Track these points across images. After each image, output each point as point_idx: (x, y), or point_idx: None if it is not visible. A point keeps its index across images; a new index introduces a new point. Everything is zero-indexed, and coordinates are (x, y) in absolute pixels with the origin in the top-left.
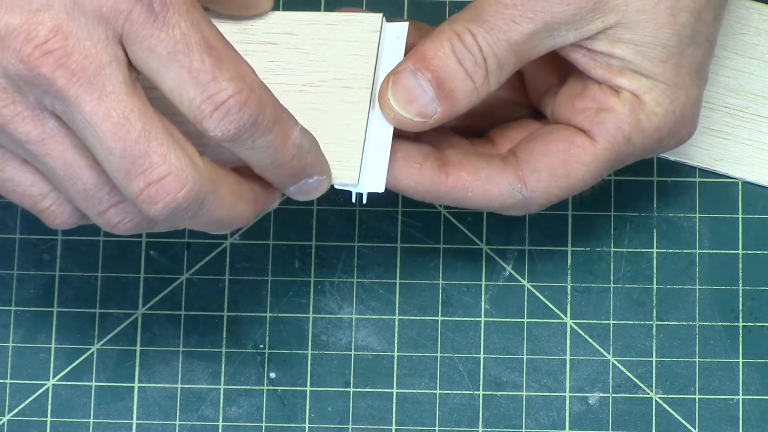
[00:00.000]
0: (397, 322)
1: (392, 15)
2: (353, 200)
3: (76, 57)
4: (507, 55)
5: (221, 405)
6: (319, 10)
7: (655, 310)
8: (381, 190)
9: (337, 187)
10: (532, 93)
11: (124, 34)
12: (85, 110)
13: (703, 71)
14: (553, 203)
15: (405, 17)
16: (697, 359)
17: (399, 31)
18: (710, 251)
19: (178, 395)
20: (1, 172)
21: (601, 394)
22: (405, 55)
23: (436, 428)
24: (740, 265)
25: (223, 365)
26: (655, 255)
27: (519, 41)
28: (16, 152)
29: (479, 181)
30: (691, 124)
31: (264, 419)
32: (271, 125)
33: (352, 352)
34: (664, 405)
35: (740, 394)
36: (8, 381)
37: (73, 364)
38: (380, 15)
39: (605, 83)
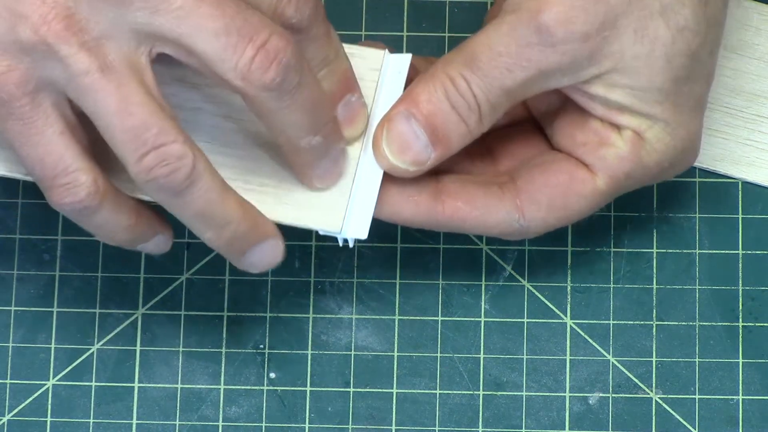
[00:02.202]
0: (397, 322)
1: (392, 15)
2: (340, 244)
3: None
4: (501, 100)
5: (221, 405)
6: None
7: (655, 310)
8: (364, 236)
9: (321, 233)
10: (533, 109)
11: None
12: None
13: (702, 103)
14: (549, 231)
15: (405, 17)
16: (697, 359)
17: (401, 64)
18: (710, 251)
19: (178, 395)
20: (38, 136)
21: (601, 394)
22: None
23: (436, 428)
24: (740, 265)
25: (223, 365)
26: (655, 255)
27: (512, 87)
28: (64, 90)
29: (477, 211)
30: (692, 155)
31: (264, 419)
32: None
33: (352, 352)
34: (664, 405)
35: (740, 394)
36: (8, 381)
37: (73, 364)
38: (383, 51)
39: (606, 120)
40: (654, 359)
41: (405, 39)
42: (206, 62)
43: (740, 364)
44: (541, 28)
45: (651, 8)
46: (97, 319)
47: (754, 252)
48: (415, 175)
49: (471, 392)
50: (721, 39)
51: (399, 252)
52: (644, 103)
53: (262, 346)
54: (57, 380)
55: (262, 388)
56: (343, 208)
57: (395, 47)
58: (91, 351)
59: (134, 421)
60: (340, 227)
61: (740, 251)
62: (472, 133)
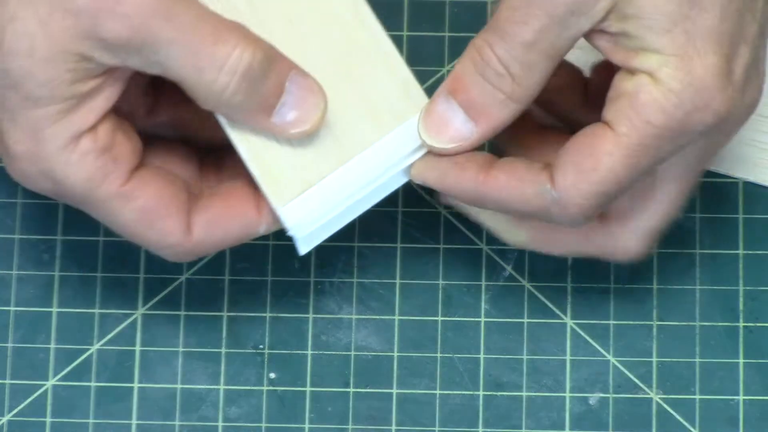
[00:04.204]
0: (397, 322)
1: (392, 15)
2: (300, 254)
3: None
4: (528, 57)
5: (221, 405)
6: None
7: (655, 311)
8: (294, 227)
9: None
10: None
11: None
12: None
13: (721, 36)
14: (593, 203)
15: (405, 17)
16: (697, 360)
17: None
18: (711, 251)
19: (178, 395)
20: (135, 200)
21: (601, 395)
22: None
23: (436, 428)
24: (740, 265)
25: (223, 365)
26: (655, 255)
27: (532, 40)
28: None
29: (514, 182)
30: (720, 95)
31: (264, 419)
32: None
33: (352, 353)
34: (664, 405)
35: (741, 394)
36: (8, 381)
37: (73, 365)
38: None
39: (624, 67)
40: (654, 359)
41: (405, 39)
42: None
43: (741, 364)
44: None
45: None
46: (96, 319)
47: (754, 252)
48: (460, 150)
49: (471, 392)
50: None
51: (399, 252)
52: (653, 33)
53: (262, 346)
54: (57, 380)
55: (262, 388)
56: (298, 188)
57: (395, 47)
58: (90, 351)
59: (134, 422)
60: (282, 203)
61: (741, 251)
62: (513, 98)
